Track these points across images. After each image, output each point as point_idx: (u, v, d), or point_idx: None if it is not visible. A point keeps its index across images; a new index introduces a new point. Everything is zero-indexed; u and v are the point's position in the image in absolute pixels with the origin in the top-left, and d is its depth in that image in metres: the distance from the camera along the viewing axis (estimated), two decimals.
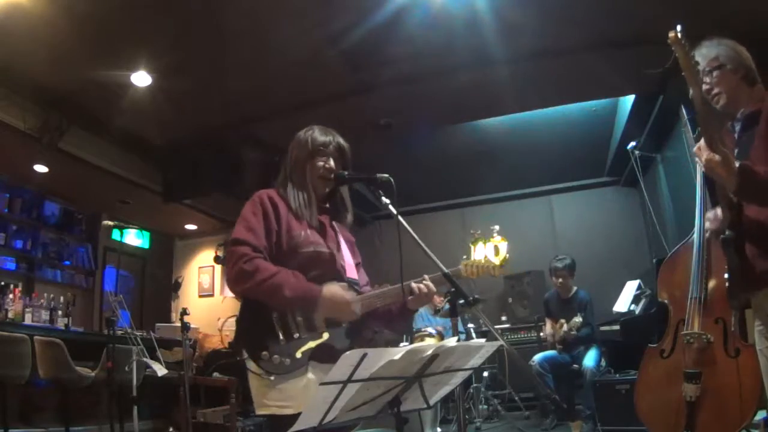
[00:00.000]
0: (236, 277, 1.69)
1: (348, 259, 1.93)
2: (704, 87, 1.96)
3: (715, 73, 1.92)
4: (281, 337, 1.69)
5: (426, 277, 1.83)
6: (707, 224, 2.30)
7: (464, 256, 1.87)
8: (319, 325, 1.76)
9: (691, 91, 1.70)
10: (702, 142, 1.71)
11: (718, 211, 2.08)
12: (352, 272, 1.92)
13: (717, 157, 1.64)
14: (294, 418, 1.36)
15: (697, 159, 1.78)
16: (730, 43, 1.96)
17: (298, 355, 1.69)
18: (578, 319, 4.69)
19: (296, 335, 1.71)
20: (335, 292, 1.74)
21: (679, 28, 1.57)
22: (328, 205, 2.00)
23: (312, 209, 1.86)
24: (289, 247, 1.77)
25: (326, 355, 1.71)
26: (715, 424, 2.26)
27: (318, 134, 1.94)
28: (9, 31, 3.78)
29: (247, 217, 1.77)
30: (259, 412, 1.70)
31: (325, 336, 1.75)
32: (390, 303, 1.83)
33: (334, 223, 1.98)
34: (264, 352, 1.66)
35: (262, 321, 1.70)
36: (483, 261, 1.83)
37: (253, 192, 1.92)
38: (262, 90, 4.74)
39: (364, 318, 1.83)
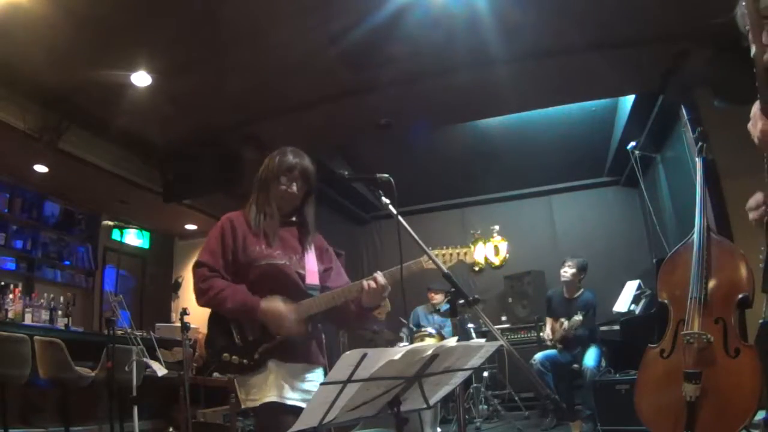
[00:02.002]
0: (197, 294, 1.95)
1: (312, 267, 2.05)
2: (765, 38, 1.68)
3: None
4: (237, 340, 1.91)
5: (378, 273, 1.91)
6: (751, 215, 1.90)
7: (429, 247, 1.89)
8: (274, 331, 1.89)
9: (753, 50, 1.50)
10: (758, 110, 1.56)
11: (759, 196, 1.87)
12: (313, 278, 2.03)
13: None
14: (259, 408, 1.81)
15: (750, 127, 1.62)
16: None
17: (256, 355, 1.88)
18: (578, 317, 4.68)
19: (251, 338, 1.91)
20: (273, 305, 1.89)
21: None
22: (295, 219, 2.12)
23: (272, 226, 2.01)
24: (246, 261, 1.97)
25: (287, 354, 1.90)
26: (716, 424, 2.25)
27: (284, 158, 2.06)
28: (9, 31, 3.78)
29: (209, 241, 2.02)
30: (243, 406, 1.94)
31: (279, 337, 1.89)
32: (345, 302, 1.95)
33: (302, 233, 2.11)
34: (225, 354, 1.89)
35: (222, 327, 1.95)
36: (451, 250, 1.93)
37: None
38: (262, 90, 4.74)
39: (320, 318, 1.99)
